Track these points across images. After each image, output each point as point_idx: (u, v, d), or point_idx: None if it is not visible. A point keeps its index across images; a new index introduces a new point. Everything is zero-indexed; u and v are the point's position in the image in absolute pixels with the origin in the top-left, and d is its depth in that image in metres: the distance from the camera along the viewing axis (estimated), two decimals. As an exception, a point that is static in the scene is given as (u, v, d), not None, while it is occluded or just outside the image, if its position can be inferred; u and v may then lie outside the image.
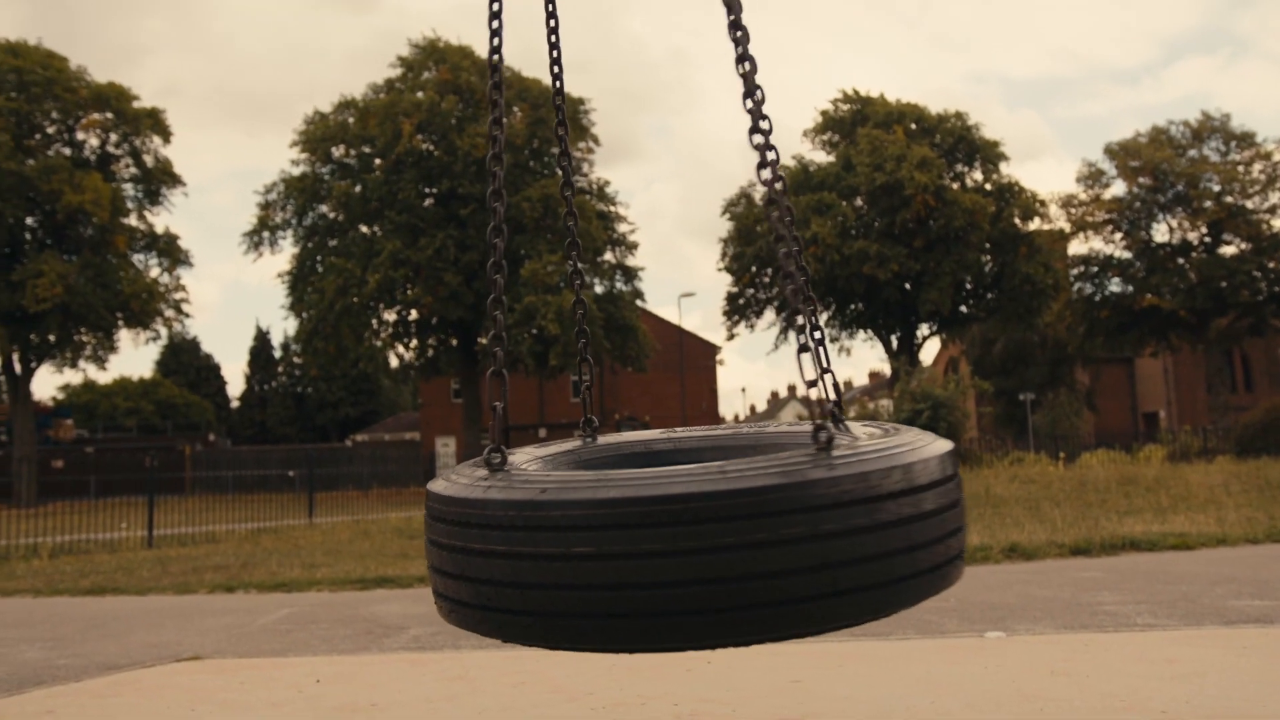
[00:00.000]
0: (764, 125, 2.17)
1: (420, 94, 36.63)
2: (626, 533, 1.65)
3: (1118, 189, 43.64)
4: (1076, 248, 44.90)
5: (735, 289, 42.88)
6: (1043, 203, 42.04)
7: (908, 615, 5.45)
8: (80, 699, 4.09)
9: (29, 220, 36.89)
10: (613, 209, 39.31)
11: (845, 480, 1.71)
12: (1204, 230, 42.23)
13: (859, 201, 40.40)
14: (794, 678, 3.86)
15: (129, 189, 39.24)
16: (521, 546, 1.73)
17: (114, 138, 38.83)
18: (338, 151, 37.57)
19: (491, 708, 3.54)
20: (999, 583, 6.81)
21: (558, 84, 2.90)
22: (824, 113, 43.53)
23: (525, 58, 72.66)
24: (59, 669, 4.90)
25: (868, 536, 1.73)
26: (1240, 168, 41.77)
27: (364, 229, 36.98)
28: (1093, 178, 43.89)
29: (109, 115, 38.19)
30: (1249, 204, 41.38)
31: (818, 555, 1.68)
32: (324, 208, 37.38)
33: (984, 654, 4.23)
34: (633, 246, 39.42)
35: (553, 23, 2.79)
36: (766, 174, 2.14)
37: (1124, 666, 3.85)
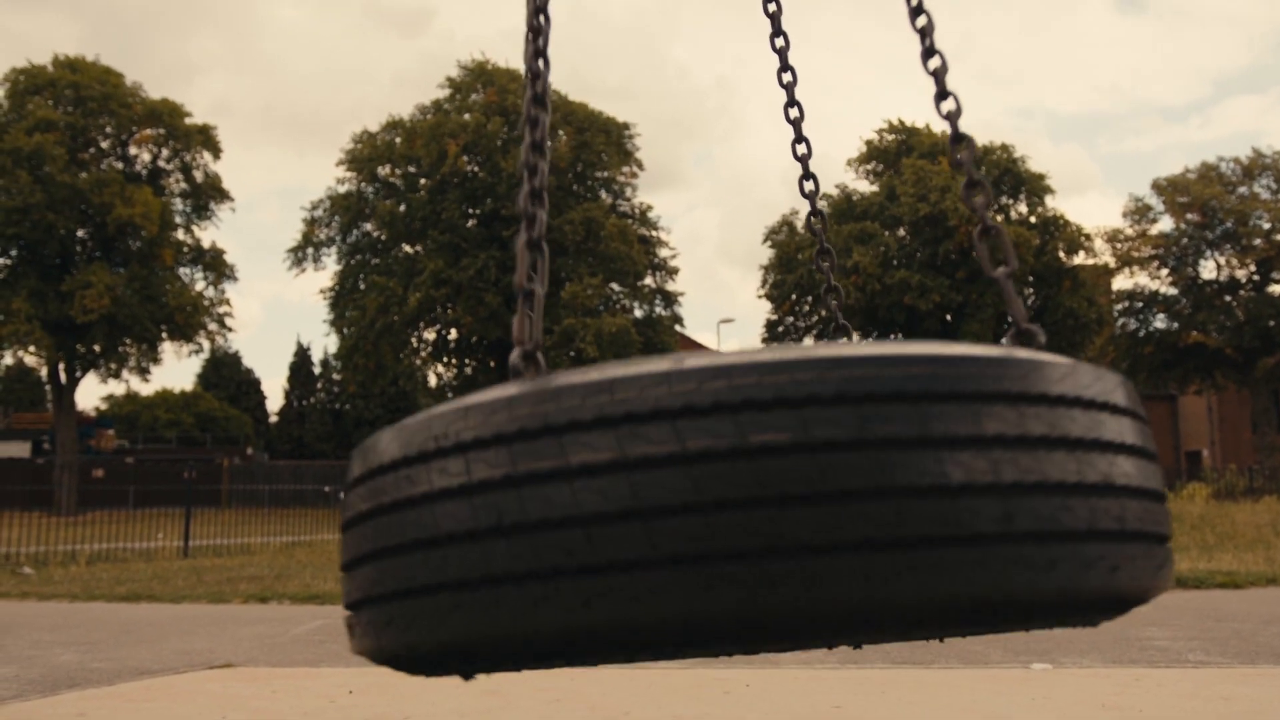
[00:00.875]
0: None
1: (467, 116, 36.90)
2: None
3: (1165, 225, 43.20)
4: (1121, 283, 44.46)
5: (775, 316, 42.74)
6: (1088, 237, 41.67)
7: (952, 643, 5.34)
8: (112, 702, 4.06)
9: (80, 232, 37.40)
10: (654, 234, 39.37)
11: None
12: (1253, 268, 41.68)
13: (902, 231, 40.22)
14: (834, 703, 3.76)
15: (178, 203, 39.75)
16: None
17: (165, 153, 39.39)
18: (383, 171, 37.88)
19: (526, 723, 3.47)
20: (1043, 616, 6.67)
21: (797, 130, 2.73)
22: (868, 142, 43.46)
23: (571, 82, 73.29)
24: (92, 672, 4.88)
25: None
26: (1291, 205, 41.24)
27: (407, 248, 37.22)
28: (1139, 213, 43.45)
29: (161, 131, 38.74)
30: (1300, 243, 40.83)
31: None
32: (368, 226, 37.67)
33: (1030, 686, 4.11)
34: (673, 271, 39.44)
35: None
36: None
37: (1178, 704, 3.73)
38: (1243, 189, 41.95)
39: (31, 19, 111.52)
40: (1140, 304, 43.87)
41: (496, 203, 35.74)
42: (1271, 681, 4.25)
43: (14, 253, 36.49)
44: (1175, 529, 14.18)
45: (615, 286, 37.00)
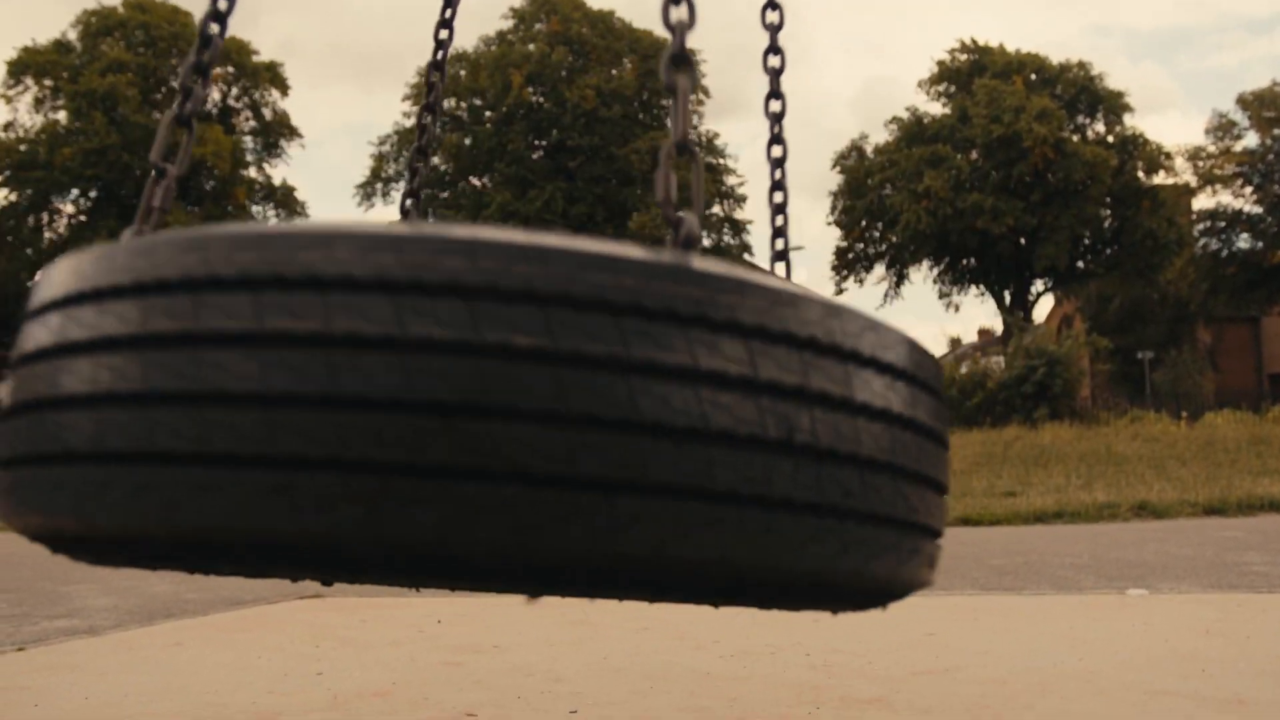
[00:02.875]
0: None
1: (531, 46, 36.62)
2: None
3: (1250, 141, 41.79)
4: (1203, 202, 43.22)
5: (845, 243, 42.21)
6: (1168, 155, 40.48)
7: (1041, 570, 5.26)
8: (207, 632, 4.14)
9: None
10: (721, 162, 38.97)
11: None
12: (1342, 183, 40.32)
13: (974, 154, 39.34)
14: (927, 630, 3.71)
15: (248, 142, 40.08)
16: None
17: (235, 91, 39.68)
18: (449, 104, 37.82)
19: (616, 653, 3.47)
20: (1132, 540, 6.55)
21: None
22: (940, 63, 42.40)
23: (635, 8, 72.26)
24: (187, 603, 4.97)
25: None
26: (1384, 117, 39.69)
27: (474, 181, 37.24)
28: (1223, 129, 42.06)
29: (230, 69, 39.00)
30: (1392, 156, 39.36)
31: None
32: (435, 159, 37.73)
33: (1128, 611, 4.03)
34: (741, 200, 39.10)
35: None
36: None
37: (1284, 629, 3.63)
38: (1334, 100, 40.44)
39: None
40: (1223, 223, 42.65)
41: (562, 133, 35.56)
42: (1381, 607, 4.12)
43: (93, 194, 37.13)
44: (1265, 452, 13.91)
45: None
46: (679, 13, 1.27)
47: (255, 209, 39.86)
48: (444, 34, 2.39)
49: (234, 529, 0.87)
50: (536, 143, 36.76)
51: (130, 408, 0.90)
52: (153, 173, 1.38)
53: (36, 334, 1.02)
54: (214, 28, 1.50)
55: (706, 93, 38.94)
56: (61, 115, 36.51)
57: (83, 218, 37.18)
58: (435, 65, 2.39)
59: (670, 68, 1.22)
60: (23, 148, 36.04)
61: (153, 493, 0.89)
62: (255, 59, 39.36)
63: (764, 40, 1.93)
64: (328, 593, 5.17)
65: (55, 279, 1.03)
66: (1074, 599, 4.41)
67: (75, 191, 37.16)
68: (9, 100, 36.85)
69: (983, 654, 3.30)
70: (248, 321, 0.87)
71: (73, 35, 37.68)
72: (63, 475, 0.95)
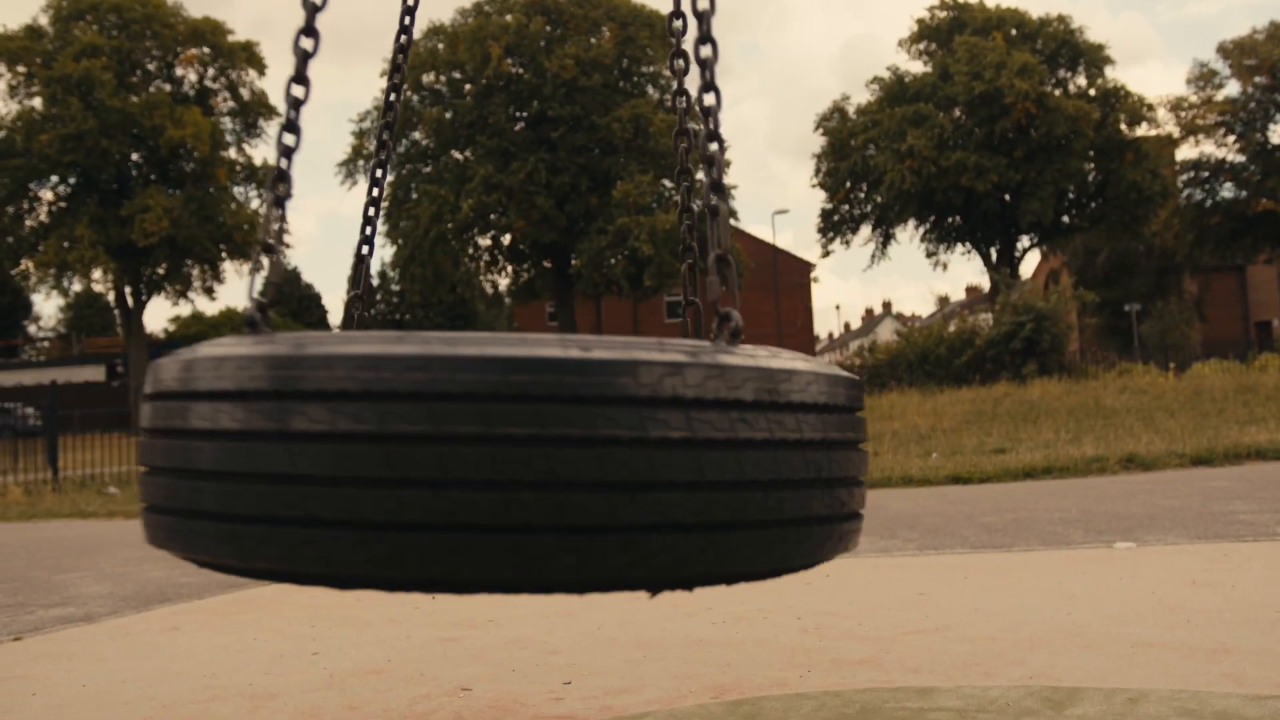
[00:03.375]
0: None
1: (508, 17, 36.36)
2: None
3: (1231, 90, 41.73)
4: (1186, 153, 43.19)
5: (829, 205, 42.14)
6: (1150, 107, 40.39)
7: (1030, 526, 5.30)
8: (203, 615, 4.16)
9: (134, 156, 37.64)
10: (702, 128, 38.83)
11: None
12: (1326, 129, 40.31)
13: (957, 112, 39.23)
14: (919, 590, 3.75)
15: (227, 122, 39.79)
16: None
17: (211, 72, 39.35)
18: (428, 78, 37.57)
19: (610, 622, 3.50)
20: (1120, 493, 6.60)
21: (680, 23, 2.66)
22: (920, 21, 42.19)
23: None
24: (183, 586, 4.99)
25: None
26: (1366, 61, 39.61)
27: (456, 155, 37.06)
28: (1204, 79, 41.99)
29: (205, 50, 38.66)
30: (1375, 100, 39.33)
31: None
32: (416, 134, 37.53)
33: (1116, 564, 4.07)
34: (725, 165, 38.98)
35: None
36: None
37: (1270, 576, 3.67)
38: (1314, 46, 40.36)
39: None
40: (1206, 173, 42.66)
41: (543, 104, 35.37)
42: (1365, 551, 4.17)
43: (72, 180, 36.86)
44: (1252, 400, 13.96)
45: (667, 183, 36.65)
46: (714, 146, 1.62)
47: (237, 189, 39.64)
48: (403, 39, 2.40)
49: (302, 572, 1.22)
50: (517, 114, 36.56)
51: (242, 481, 1.21)
52: (264, 253, 1.62)
53: (167, 413, 1.34)
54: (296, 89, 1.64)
55: (687, 59, 38.68)
56: (37, 102, 36.17)
57: (63, 204, 36.93)
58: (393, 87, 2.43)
59: (711, 194, 1.56)
60: (-1, 135, 35.78)
61: (270, 544, 1.20)
62: (231, 39, 39.00)
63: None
64: (322, 573, 5.19)
65: (186, 372, 1.32)
66: (1063, 554, 4.45)
67: (54, 178, 36.89)
68: (-18, 88, 36.57)
69: (973, 612, 3.34)
70: (324, 425, 1.17)
71: (44, 20, 37.27)
72: (198, 527, 1.27)
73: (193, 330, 62.87)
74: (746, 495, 1.24)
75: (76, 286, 40.19)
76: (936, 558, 4.56)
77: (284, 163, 1.59)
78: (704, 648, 3.04)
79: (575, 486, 1.15)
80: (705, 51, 1.70)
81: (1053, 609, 3.28)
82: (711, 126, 1.78)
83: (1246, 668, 2.50)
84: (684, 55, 2.48)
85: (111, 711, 2.68)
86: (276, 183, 1.61)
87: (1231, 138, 41.94)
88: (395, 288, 63.66)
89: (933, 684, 2.51)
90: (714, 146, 1.75)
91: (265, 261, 1.59)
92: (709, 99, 1.80)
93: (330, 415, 1.16)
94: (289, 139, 1.61)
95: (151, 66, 38.47)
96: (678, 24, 2.34)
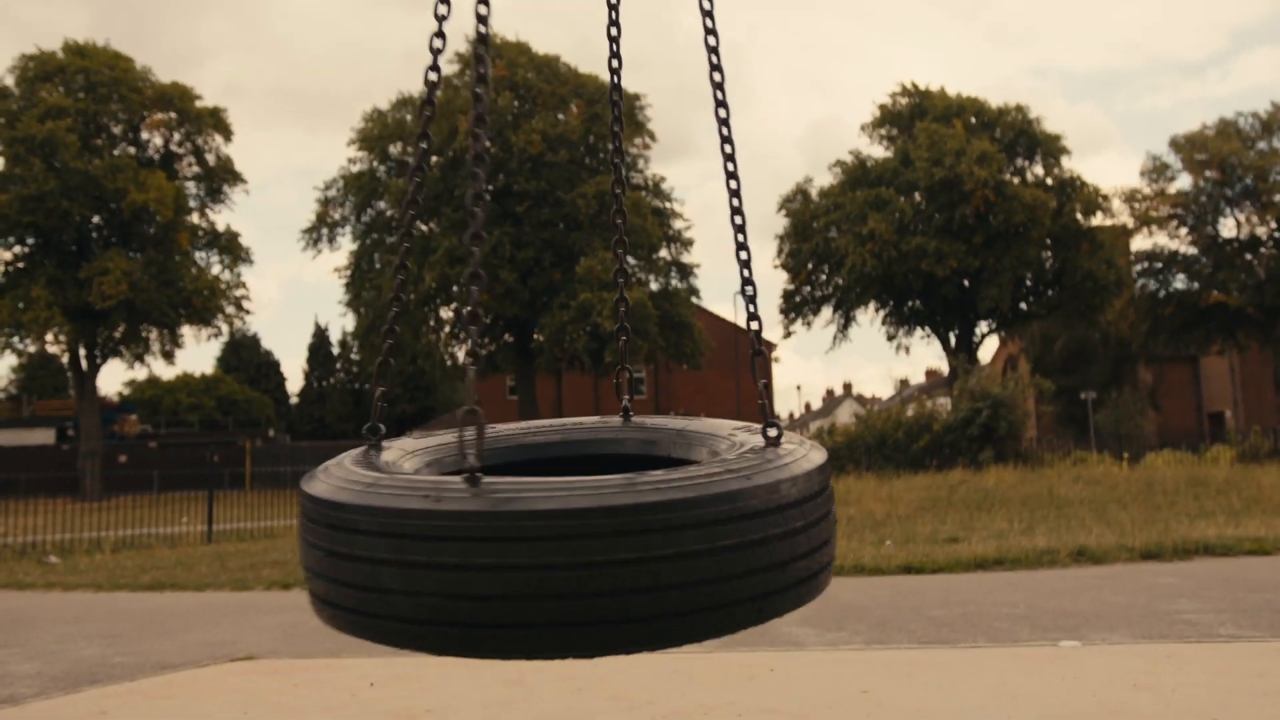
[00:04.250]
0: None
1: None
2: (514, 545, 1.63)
3: (1183, 183, 42.69)
4: (1140, 243, 44.01)
5: (791, 286, 42.52)
6: (1105, 197, 41.23)
7: (978, 622, 5.29)
8: (134, 699, 4.05)
9: (95, 219, 37.41)
10: (668, 205, 39.21)
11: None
12: (1273, 225, 41.19)
13: (917, 197, 39.86)
14: (861, 687, 3.71)
15: (191, 187, 39.69)
16: (411, 555, 1.68)
17: (177, 137, 39.34)
18: (395, 149, 37.79)
19: (550, 715, 3.44)
20: (1069, 588, 6.61)
21: (615, 79, 2.78)
22: (882, 106, 43.01)
23: (581, 53, 72.75)
24: (114, 667, 4.87)
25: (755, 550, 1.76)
26: (1312, 160, 40.67)
27: (421, 226, 37.17)
28: (1157, 171, 42.96)
29: (172, 115, 38.68)
30: (1321, 198, 40.29)
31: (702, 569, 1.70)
32: (382, 204, 37.64)
33: (1060, 664, 4.06)
34: (688, 243, 39.30)
35: (614, 15, 2.69)
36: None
37: (1210, 681, 3.67)
38: (1262, 144, 41.40)
39: (41, 6, 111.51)
40: (1160, 264, 43.45)
41: (508, 178, 35.62)
42: (1306, 656, 4.18)
43: (31, 241, 36.56)
44: (1202, 494, 14.08)
45: (630, 260, 36.89)
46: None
47: (200, 255, 39.44)
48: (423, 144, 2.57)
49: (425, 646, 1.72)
50: (486, 188, 36.76)
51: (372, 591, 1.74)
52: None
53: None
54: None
55: (653, 136, 39.20)
56: (-1, 161, 36.01)
57: (20, 265, 36.60)
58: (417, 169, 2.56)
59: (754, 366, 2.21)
60: (-40, 194, 35.47)
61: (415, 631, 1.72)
62: (199, 104, 39.08)
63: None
64: (260, 654, 5.08)
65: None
66: (1008, 651, 4.43)
67: (12, 239, 36.59)
68: (-54, 147, 36.31)
69: (913, 712, 3.31)
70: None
71: (10, 81, 37.20)
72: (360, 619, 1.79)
73: (148, 394, 62.20)
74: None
75: (30, 348, 39.67)
76: (883, 652, 4.53)
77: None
78: (642, 746, 2.99)
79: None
80: (723, 115, 2.17)
81: (993, 710, 3.26)
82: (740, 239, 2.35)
83: (1182, 780, 2.48)
84: (620, 125, 2.63)
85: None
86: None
87: (1184, 230, 42.83)
88: (355, 356, 63.38)
89: (869, 791, 2.48)
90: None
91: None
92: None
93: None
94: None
95: (117, 130, 38.44)
96: (616, 96, 2.61)
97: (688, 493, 1.68)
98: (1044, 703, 3.37)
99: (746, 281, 2.28)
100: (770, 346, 58.09)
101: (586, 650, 1.66)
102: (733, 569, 1.70)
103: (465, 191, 35.33)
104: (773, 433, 2.05)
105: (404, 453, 2.25)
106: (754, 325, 2.24)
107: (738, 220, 2.36)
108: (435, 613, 1.65)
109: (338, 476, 1.91)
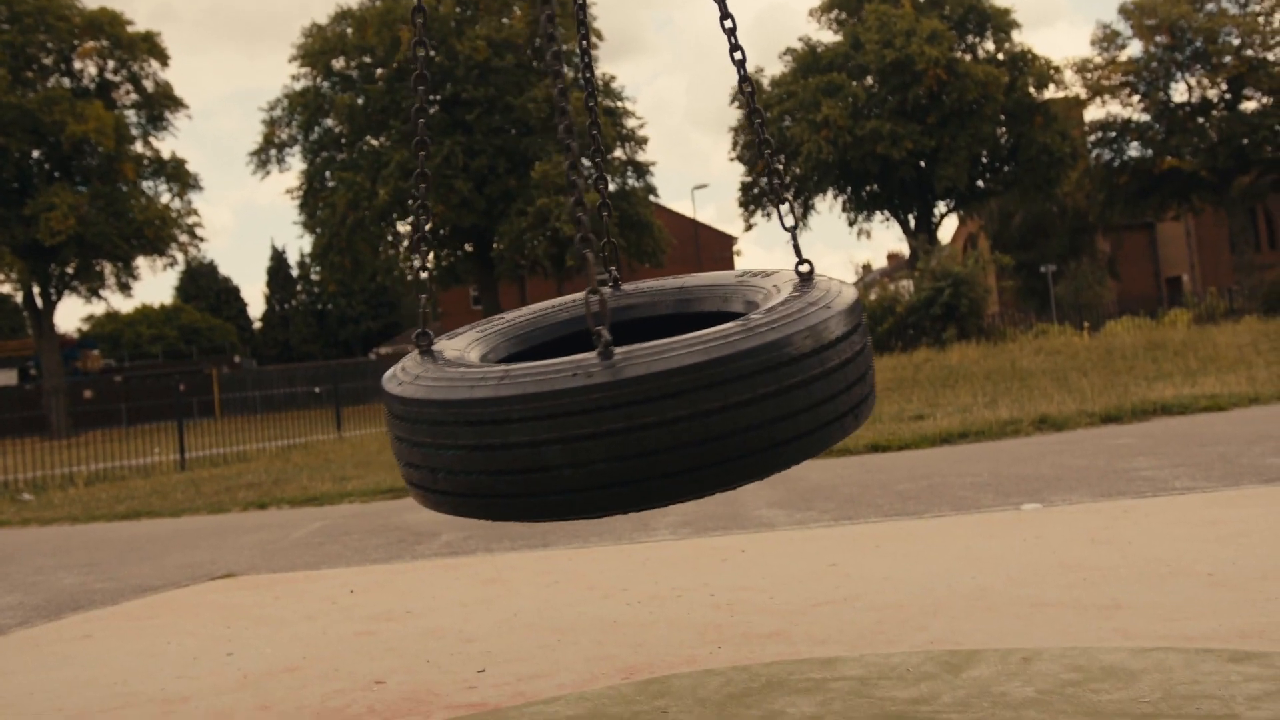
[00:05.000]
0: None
1: (417, -1, 35.89)
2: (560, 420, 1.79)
3: (1134, 50, 42.53)
4: (1093, 114, 44.08)
5: (749, 178, 42.33)
6: (1057, 69, 41.06)
7: (943, 492, 5.41)
8: (117, 621, 4.10)
9: (35, 153, 36.58)
10: (620, 105, 38.74)
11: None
12: (1224, 87, 41.19)
13: (869, 80, 39.56)
14: (830, 561, 3.81)
15: (131, 115, 38.80)
16: (576, 430, 1.80)
17: (111, 64, 38.29)
18: (338, 64, 37.01)
19: (527, 608, 3.51)
20: (1031, 455, 6.75)
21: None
22: (830, -9, 42.40)
23: (521, -46, 71.05)
24: (96, 593, 4.91)
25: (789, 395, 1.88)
26: (1261, 19, 40.56)
27: (371, 141, 36.61)
28: (1108, 40, 42.73)
29: (104, 42, 37.61)
30: (1270, 56, 40.25)
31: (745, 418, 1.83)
32: (329, 122, 36.96)
33: (1022, 526, 4.17)
34: (642, 142, 38.93)
35: None
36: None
37: (1165, 531, 3.79)
38: (1210, 5, 41.23)
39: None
40: (1114, 133, 43.47)
41: (456, 86, 35.03)
42: (1254, 501, 4.31)
43: (-34, 175, 35.78)
44: (1160, 357, 14.32)
45: (585, 162, 36.48)
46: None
47: (146, 184, 38.73)
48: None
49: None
50: (430, 98, 36.12)
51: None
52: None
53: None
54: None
55: (599, 35, 38.56)
56: (-73, 100, 35.02)
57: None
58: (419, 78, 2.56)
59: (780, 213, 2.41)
60: (-112, 130, 34.54)
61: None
62: (131, 29, 38.01)
63: None
64: (240, 571, 5.14)
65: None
66: (972, 518, 4.55)
67: (-50, 178, 35.76)
68: None
69: (882, 580, 3.41)
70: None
71: (-68, 16, 36.04)
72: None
73: (108, 329, 61.56)
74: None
75: (-17, 288, 39.07)
76: (850, 528, 4.64)
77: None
78: (618, 629, 3.07)
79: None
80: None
81: (959, 574, 3.36)
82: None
83: (1136, 622, 2.59)
84: (587, 28, 2.61)
85: (17, 727, 2.64)
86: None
87: (1136, 98, 42.78)
88: (315, 277, 62.86)
89: (838, 654, 2.57)
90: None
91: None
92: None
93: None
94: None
95: (48, 60, 37.34)
96: None
97: (795, 326, 1.89)
98: (1006, 563, 3.48)
99: (771, 153, 2.43)
100: (731, 240, 58.08)
101: (729, 483, 1.84)
102: (829, 391, 1.91)
103: (412, 104, 34.84)
104: (805, 268, 2.27)
105: (458, 350, 2.34)
106: (775, 180, 2.40)
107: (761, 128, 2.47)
108: (605, 477, 1.78)
109: (446, 379, 2.00)
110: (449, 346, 2.37)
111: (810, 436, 1.90)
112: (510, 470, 1.84)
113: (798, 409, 1.86)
